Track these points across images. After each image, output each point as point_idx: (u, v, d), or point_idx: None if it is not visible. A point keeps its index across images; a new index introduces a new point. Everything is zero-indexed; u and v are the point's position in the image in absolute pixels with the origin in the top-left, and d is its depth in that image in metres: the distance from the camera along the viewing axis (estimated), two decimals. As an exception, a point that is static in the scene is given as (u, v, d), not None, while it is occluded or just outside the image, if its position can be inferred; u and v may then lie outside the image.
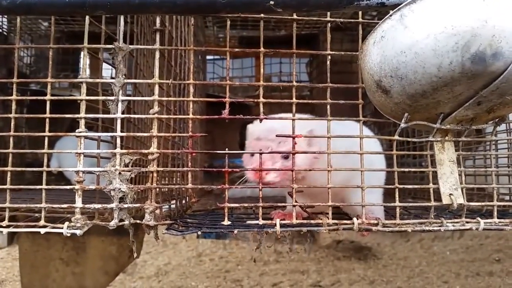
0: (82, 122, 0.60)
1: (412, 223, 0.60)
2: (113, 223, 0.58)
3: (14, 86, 0.62)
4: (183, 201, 0.80)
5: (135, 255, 0.61)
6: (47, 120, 0.61)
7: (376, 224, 0.59)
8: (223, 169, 0.60)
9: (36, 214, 0.66)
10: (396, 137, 0.61)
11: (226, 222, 0.59)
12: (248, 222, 0.60)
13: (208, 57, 2.10)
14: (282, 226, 0.58)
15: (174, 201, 0.73)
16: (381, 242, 2.56)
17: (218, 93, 1.89)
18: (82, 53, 0.61)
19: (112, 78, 0.65)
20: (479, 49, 0.52)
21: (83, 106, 0.60)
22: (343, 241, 2.60)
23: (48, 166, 0.63)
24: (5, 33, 1.68)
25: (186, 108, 0.88)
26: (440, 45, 0.52)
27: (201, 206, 0.93)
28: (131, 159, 0.59)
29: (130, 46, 0.60)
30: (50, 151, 0.61)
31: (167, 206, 0.69)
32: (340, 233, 2.62)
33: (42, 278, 1.56)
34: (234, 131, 1.73)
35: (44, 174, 0.61)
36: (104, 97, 0.60)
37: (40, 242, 1.51)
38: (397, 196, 0.60)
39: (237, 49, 0.64)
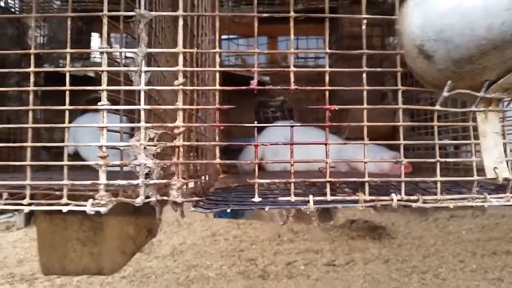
0: (104, 94, 0.56)
1: (454, 198, 0.56)
2: (139, 200, 0.55)
3: (32, 57, 0.58)
4: (206, 179, 0.77)
5: (160, 230, 0.58)
6: (67, 92, 0.57)
7: (417, 200, 0.55)
8: (253, 143, 0.56)
9: (57, 192, 0.62)
10: (438, 107, 0.56)
11: (257, 198, 0.55)
12: (280, 198, 0.56)
13: (223, 36, 2.04)
14: (315, 202, 0.55)
15: (198, 179, 0.69)
16: (395, 221, 2.52)
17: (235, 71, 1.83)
18: (102, 21, 0.57)
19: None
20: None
21: (104, 78, 0.56)
22: (357, 220, 2.57)
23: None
24: (17, 12, 1.64)
25: (208, 82, 0.84)
26: (492, 3, 0.47)
27: (223, 184, 0.90)
28: (156, 133, 0.55)
29: (152, 13, 0.56)
30: (71, 125, 0.58)
31: (192, 183, 0.66)
32: (354, 212, 2.60)
33: (61, 259, 1.54)
34: (250, 110, 1.69)
35: (65, 150, 0.58)
36: (126, 68, 0.56)
37: (57, 222, 1.49)
38: (438, 170, 0.56)
39: (265, 14, 0.59)
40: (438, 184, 0.56)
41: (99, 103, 0.55)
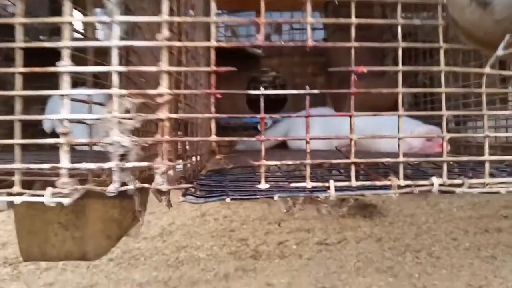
0: (65, 53, 0.42)
1: (505, 181, 0.44)
2: (112, 188, 0.42)
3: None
4: (197, 160, 0.63)
5: (141, 224, 0.45)
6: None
7: (461, 185, 0.43)
8: (259, 115, 0.42)
9: (13, 178, 0.48)
10: (488, 69, 0.43)
11: (264, 185, 0.42)
12: (293, 185, 0.43)
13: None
14: (338, 189, 0.42)
15: (188, 160, 0.56)
16: (386, 199, 2.44)
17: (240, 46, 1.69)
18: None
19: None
20: None
21: (66, 31, 0.42)
22: (347, 199, 2.47)
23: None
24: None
25: (196, 52, 0.69)
26: None
27: (216, 165, 0.77)
28: (134, 103, 0.41)
29: None
30: (23, 92, 0.43)
31: (180, 166, 0.52)
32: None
33: (41, 244, 1.41)
34: (241, 85, 1.54)
35: (16, 125, 0.43)
36: (94, 18, 0.42)
37: (36, 206, 1.35)
38: (486, 147, 0.44)
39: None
40: (486, 165, 0.44)
41: (57, 63, 0.41)
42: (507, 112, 0.61)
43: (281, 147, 1.38)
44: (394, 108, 1.31)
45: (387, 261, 1.81)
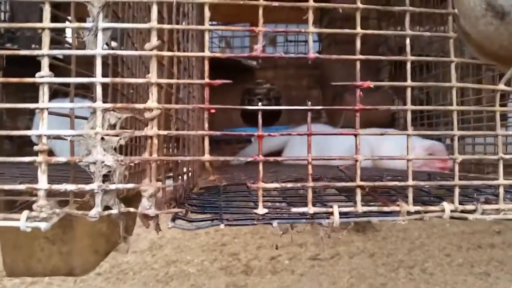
0: (44, 62, 0.37)
1: (520, 208, 0.40)
2: (94, 213, 0.37)
3: None
4: (189, 177, 0.59)
5: (128, 252, 0.40)
6: None
7: (474, 211, 0.39)
8: (256, 133, 0.39)
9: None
10: (501, 86, 0.40)
11: (261, 210, 0.38)
12: (294, 210, 0.39)
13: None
14: (342, 215, 0.38)
15: (179, 180, 0.51)
16: (379, 213, 2.40)
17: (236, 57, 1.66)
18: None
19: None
20: None
21: (46, 38, 0.38)
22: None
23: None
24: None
25: (189, 63, 0.66)
26: None
27: (208, 182, 0.72)
28: (119, 118, 0.37)
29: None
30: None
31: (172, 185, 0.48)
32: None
33: (26, 259, 1.35)
34: (235, 98, 1.50)
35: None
36: (77, 24, 0.38)
37: (21, 219, 1.29)
38: (501, 169, 0.40)
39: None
40: (501, 189, 0.40)
41: (37, 74, 0.37)
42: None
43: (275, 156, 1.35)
44: (388, 122, 1.27)
45: (380, 277, 1.76)
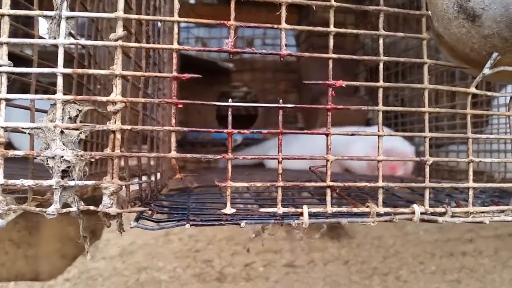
0: (3, 50, 0.36)
1: (488, 211, 0.40)
2: (52, 210, 0.35)
3: None
4: (157, 177, 0.57)
5: (88, 257, 0.39)
6: None
7: (444, 213, 0.39)
8: (226, 130, 0.38)
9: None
10: (473, 89, 0.40)
11: (229, 209, 0.37)
12: (262, 210, 0.38)
13: (182, 24, 1.85)
14: (311, 215, 0.37)
15: (144, 178, 0.50)
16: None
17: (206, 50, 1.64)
18: None
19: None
20: None
21: (5, 25, 0.36)
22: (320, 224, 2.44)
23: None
24: None
25: (159, 57, 0.64)
26: None
27: (179, 184, 0.71)
28: (80, 111, 0.35)
29: None
30: None
31: (136, 184, 0.47)
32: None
33: (-11, 263, 1.29)
34: (211, 100, 1.49)
35: None
36: (39, 12, 0.36)
37: (-17, 221, 1.24)
38: (470, 172, 0.40)
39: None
40: (470, 192, 0.40)
41: (-7, 63, 0.35)
42: (492, 136, 0.58)
43: (261, 166, 1.34)
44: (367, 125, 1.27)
45: (354, 284, 1.77)
